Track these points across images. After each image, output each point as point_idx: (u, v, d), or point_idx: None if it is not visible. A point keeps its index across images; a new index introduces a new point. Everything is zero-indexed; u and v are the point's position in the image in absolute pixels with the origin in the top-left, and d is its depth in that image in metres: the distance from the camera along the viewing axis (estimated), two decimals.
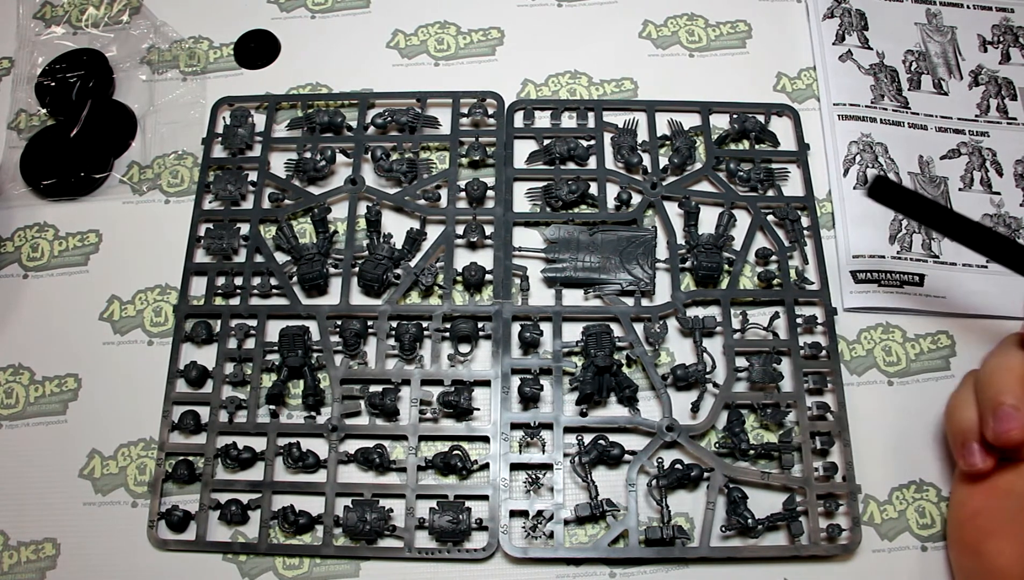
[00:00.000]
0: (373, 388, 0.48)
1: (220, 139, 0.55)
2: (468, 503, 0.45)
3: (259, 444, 0.47)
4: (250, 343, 0.49)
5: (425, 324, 0.49)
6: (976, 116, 0.55)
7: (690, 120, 0.55)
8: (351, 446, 0.47)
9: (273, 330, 0.49)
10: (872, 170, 0.53)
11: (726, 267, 0.50)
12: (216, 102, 0.56)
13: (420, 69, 0.58)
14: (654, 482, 0.45)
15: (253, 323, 0.50)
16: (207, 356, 0.49)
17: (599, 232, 0.51)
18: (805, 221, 0.51)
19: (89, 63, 0.58)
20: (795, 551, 0.44)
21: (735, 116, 0.55)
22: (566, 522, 0.44)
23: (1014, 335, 0.42)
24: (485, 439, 0.46)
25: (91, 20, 0.60)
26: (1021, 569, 0.39)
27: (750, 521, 0.43)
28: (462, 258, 0.51)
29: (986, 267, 0.50)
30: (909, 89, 0.56)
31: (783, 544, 0.44)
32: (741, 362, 0.47)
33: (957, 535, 0.43)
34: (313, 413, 0.48)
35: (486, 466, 0.46)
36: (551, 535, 0.44)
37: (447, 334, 0.48)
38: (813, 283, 0.50)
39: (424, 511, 0.45)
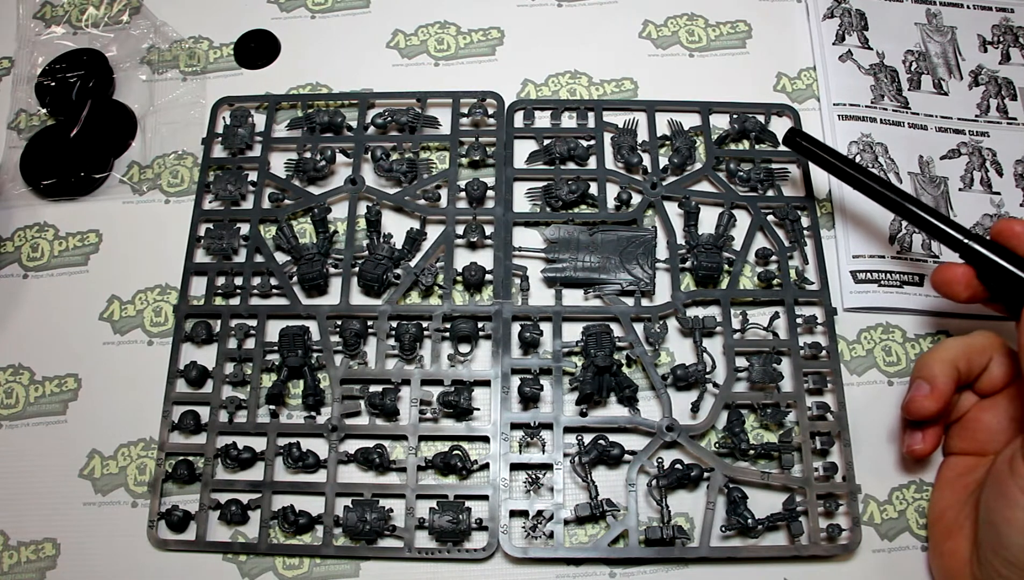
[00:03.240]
0: (373, 388, 0.48)
1: (220, 139, 0.55)
2: (468, 503, 0.45)
3: (259, 444, 0.47)
4: (250, 343, 0.49)
5: (425, 324, 0.49)
6: (976, 116, 0.55)
7: (690, 120, 0.55)
8: (351, 446, 0.47)
9: (273, 330, 0.49)
10: (873, 170, 0.53)
11: (726, 267, 0.50)
12: (216, 102, 0.56)
13: (420, 69, 0.58)
14: (654, 482, 0.45)
15: (253, 323, 0.50)
16: (207, 356, 0.49)
17: (599, 232, 0.51)
18: (805, 221, 0.51)
19: (89, 63, 0.58)
20: (795, 551, 0.44)
21: (735, 116, 0.55)
22: (566, 522, 0.44)
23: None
24: (485, 439, 0.46)
25: (91, 20, 0.60)
26: (970, 571, 0.39)
27: (750, 521, 0.43)
28: (462, 258, 0.51)
29: None
30: (909, 89, 0.56)
31: (783, 544, 0.44)
32: (741, 362, 0.47)
33: (929, 535, 0.44)
34: (313, 413, 0.48)
35: (486, 466, 0.46)
36: (551, 535, 0.44)
37: (447, 334, 0.48)
38: (813, 283, 0.50)
39: (424, 511, 0.45)
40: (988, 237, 0.42)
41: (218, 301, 0.51)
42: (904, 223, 0.52)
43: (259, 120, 0.55)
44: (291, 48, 0.59)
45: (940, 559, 0.42)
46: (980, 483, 0.41)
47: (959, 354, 0.41)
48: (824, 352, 0.48)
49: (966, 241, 0.42)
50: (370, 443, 0.47)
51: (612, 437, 0.46)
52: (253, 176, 0.54)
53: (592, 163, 0.53)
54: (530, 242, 0.52)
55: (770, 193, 0.53)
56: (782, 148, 0.54)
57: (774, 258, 0.50)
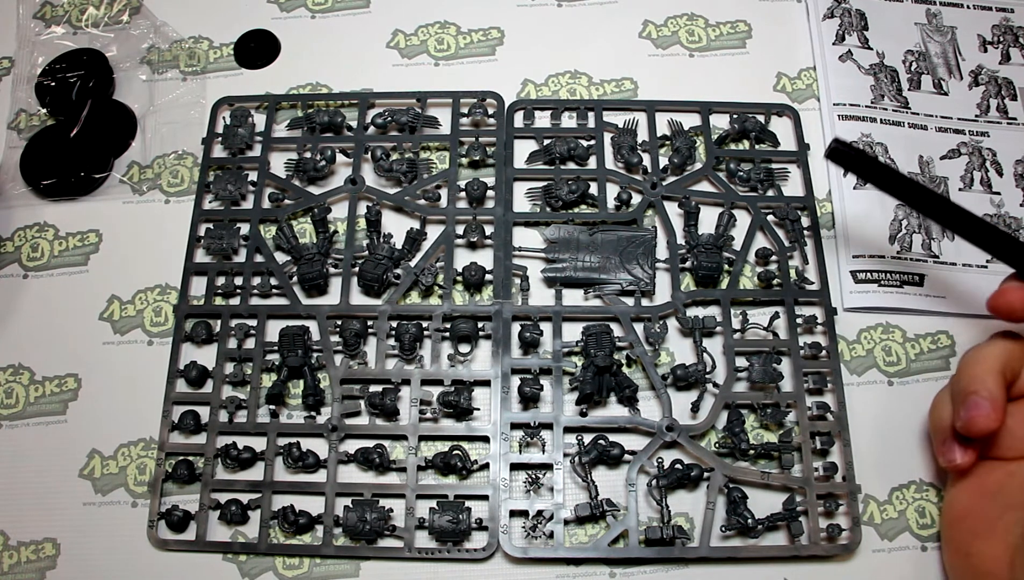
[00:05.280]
0: (373, 388, 0.48)
1: (220, 139, 0.55)
2: (468, 503, 0.45)
3: (259, 444, 0.47)
4: (250, 343, 0.49)
5: (425, 324, 0.49)
6: (976, 116, 0.55)
7: (690, 120, 0.55)
8: (351, 446, 0.47)
9: (273, 330, 0.49)
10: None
11: (726, 267, 0.50)
12: (216, 102, 0.56)
13: (420, 69, 0.58)
14: (654, 482, 0.45)
15: (253, 323, 0.50)
16: (207, 356, 0.49)
17: (599, 232, 0.51)
18: (805, 221, 0.51)
19: (89, 63, 0.58)
20: (795, 551, 0.44)
21: (735, 116, 0.55)
22: (566, 522, 0.44)
23: (995, 334, 0.42)
24: (485, 439, 0.46)
25: (91, 20, 0.60)
26: (1006, 572, 0.39)
27: (750, 521, 0.43)
28: (462, 258, 0.51)
29: (986, 267, 0.51)
30: (909, 89, 0.56)
31: (783, 544, 0.44)
32: (741, 362, 0.47)
33: (947, 536, 0.43)
34: (313, 413, 0.48)
35: (486, 466, 0.46)
36: (551, 535, 0.44)
37: (447, 334, 0.48)
38: (813, 283, 0.50)
39: (424, 511, 0.45)
40: None
41: (218, 301, 0.51)
42: (904, 223, 0.52)
43: (259, 120, 0.55)
44: (291, 48, 0.59)
45: (966, 559, 0.41)
46: (1002, 484, 0.40)
47: (1005, 362, 0.40)
48: (824, 352, 0.48)
49: None
50: (370, 443, 0.47)
51: (612, 437, 0.46)
52: (253, 176, 0.54)
53: (592, 163, 0.53)
54: (530, 242, 0.52)
55: (770, 193, 0.53)
56: (782, 148, 0.54)
57: (774, 258, 0.50)
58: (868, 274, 0.50)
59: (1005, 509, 0.40)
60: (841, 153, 0.43)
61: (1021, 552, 0.38)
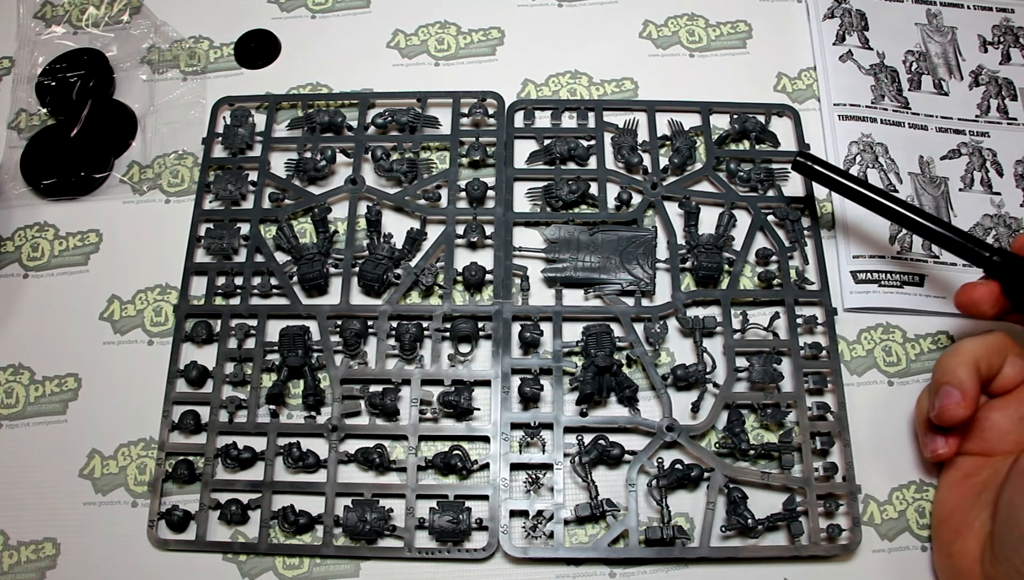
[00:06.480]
0: (373, 388, 0.48)
1: (220, 139, 0.55)
2: (468, 503, 0.45)
3: (259, 444, 0.47)
4: (250, 343, 0.49)
5: (425, 324, 0.49)
6: (976, 116, 0.55)
7: (690, 120, 0.55)
8: (351, 446, 0.47)
9: (273, 330, 0.49)
10: (872, 170, 0.53)
11: (726, 267, 0.50)
12: (216, 102, 0.56)
13: (420, 69, 0.58)
14: (654, 482, 0.45)
15: (253, 323, 0.50)
16: (207, 356, 0.49)
17: (599, 232, 0.51)
18: (805, 221, 0.51)
19: (89, 63, 0.58)
20: (795, 551, 0.44)
21: (735, 116, 0.55)
22: (566, 522, 0.44)
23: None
24: (485, 439, 0.46)
25: (91, 20, 0.60)
26: (981, 570, 0.39)
27: (750, 521, 0.43)
28: (462, 258, 0.51)
29: None
30: (909, 89, 0.56)
31: (783, 544, 0.44)
32: (741, 362, 0.47)
33: (935, 537, 0.44)
34: (313, 413, 0.48)
35: (486, 466, 0.46)
36: (551, 535, 0.44)
37: (447, 334, 0.48)
38: (813, 283, 0.50)
39: (424, 511, 0.45)
40: (1008, 250, 0.42)
41: (218, 301, 0.51)
42: None
43: (259, 120, 0.55)
44: (291, 48, 0.59)
45: (948, 559, 0.41)
46: (987, 483, 0.41)
47: (980, 356, 0.40)
48: (824, 352, 0.48)
49: (993, 257, 0.42)
50: (370, 443, 0.47)
51: (612, 437, 0.46)
52: (253, 176, 0.54)
53: (592, 163, 0.53)
54: (530, 242, 0.52)
55: (770, 193, 0.53)
56: (782, 148, 0.54)
57: (774, 258, 0.50)
58: (868, 274, 0.50)
59: (984, 506, 0.40)
60: (804, 166, 0.46)
61: (990, 548, 0.39)
